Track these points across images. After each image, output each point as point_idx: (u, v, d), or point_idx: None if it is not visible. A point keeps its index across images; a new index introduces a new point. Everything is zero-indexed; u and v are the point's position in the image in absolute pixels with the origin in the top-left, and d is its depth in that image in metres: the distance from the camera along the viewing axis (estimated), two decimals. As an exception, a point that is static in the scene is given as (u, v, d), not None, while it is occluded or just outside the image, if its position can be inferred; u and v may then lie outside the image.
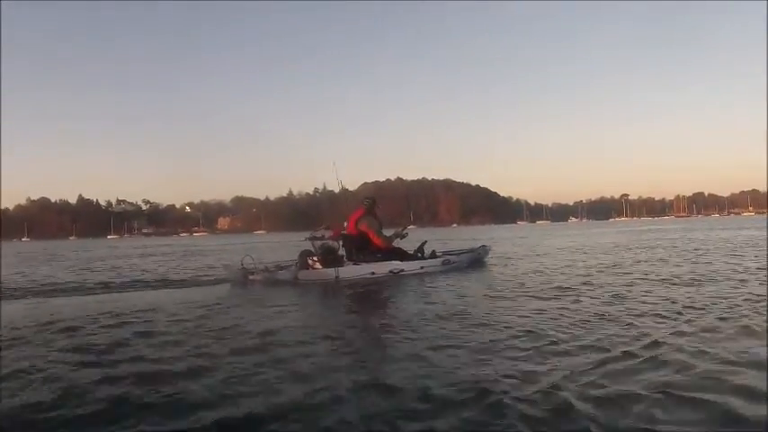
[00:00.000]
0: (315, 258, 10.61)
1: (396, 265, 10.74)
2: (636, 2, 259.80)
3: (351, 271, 10.47)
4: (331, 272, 10.31)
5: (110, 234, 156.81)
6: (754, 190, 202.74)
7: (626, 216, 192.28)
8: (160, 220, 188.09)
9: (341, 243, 10.87)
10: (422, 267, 10.98)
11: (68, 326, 5.90)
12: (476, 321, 5.58)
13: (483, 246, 13.53)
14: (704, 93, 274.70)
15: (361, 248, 10.86)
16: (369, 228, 10.90)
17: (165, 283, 10.89)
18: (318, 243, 10.73)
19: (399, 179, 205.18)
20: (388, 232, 11.26)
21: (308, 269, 10.48)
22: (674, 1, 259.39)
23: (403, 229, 11.62)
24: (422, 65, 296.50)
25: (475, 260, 12.48)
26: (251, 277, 10.25)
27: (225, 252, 25.34)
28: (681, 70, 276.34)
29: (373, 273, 10.48)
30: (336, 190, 13.13)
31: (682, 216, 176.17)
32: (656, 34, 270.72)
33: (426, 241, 12.08)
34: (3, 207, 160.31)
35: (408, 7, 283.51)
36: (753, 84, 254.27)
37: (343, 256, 10.81)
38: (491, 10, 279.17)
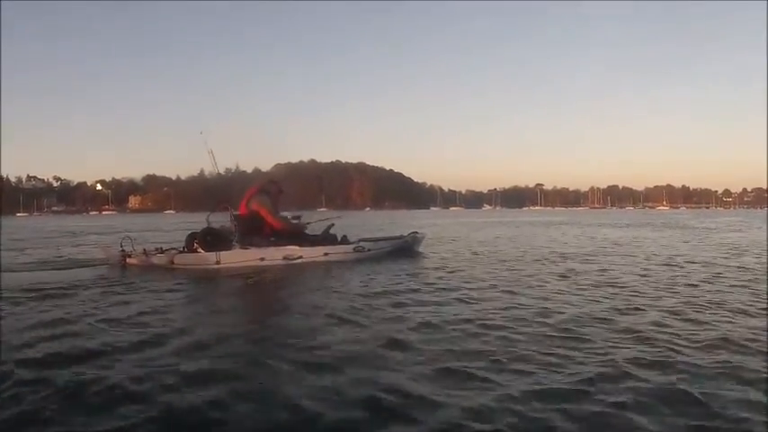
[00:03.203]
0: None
1: (292, 250, 9.55)
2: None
3: (235, 256, 9.39)
4: (212, 256, 9.30)
5: (19, 212, 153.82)
6: (668, 185, 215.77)
7: (540, 205, 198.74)
8: (71, 197, 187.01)
9: (235, 225, 9.85)
10: (326, 254, 9.76)
11: None
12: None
13: (414, 233, 12.05)
14: (621, 88, 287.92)
15: (253, 230, 9.75)
16: (260, 206, 9.82)
17: (38, 264, 10.51)
18: (219, 225, 9.96)
19: (313, 161, 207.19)
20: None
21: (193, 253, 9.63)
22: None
23: (307, 222, 10.53)
24: (335, 47, 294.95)
25: (400, 249, 11.13)
26: (128, 260, 9.68)
27: (124, 233, 24.36)
28: (596, 62, 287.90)
29: (263, 259, 9.37)
30: (214, 168, 11.42)
31: (596, 208, 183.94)
32: (572, 26, 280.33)
33: (333, 223, 10.90)
34: None
35: None
36: (675, 80, 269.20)
37: (231, 240, 9.74)
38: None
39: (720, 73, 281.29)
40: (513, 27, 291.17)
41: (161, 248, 10.08)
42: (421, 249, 11.74)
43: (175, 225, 35.21)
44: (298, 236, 9.86)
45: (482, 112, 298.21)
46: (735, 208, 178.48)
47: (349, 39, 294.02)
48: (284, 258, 9.37)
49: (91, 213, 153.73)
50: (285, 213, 10.36)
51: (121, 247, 9.94)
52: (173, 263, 9.29)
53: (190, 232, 10.01)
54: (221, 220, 10.05)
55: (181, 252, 9.65)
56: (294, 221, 10.11)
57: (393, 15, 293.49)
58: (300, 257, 9.45)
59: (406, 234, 11.84)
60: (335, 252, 9.91)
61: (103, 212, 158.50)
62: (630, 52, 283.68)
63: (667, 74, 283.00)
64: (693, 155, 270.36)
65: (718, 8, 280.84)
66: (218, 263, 9.11)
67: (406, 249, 11.24)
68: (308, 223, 10.42)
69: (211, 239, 9.40)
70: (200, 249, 9.44)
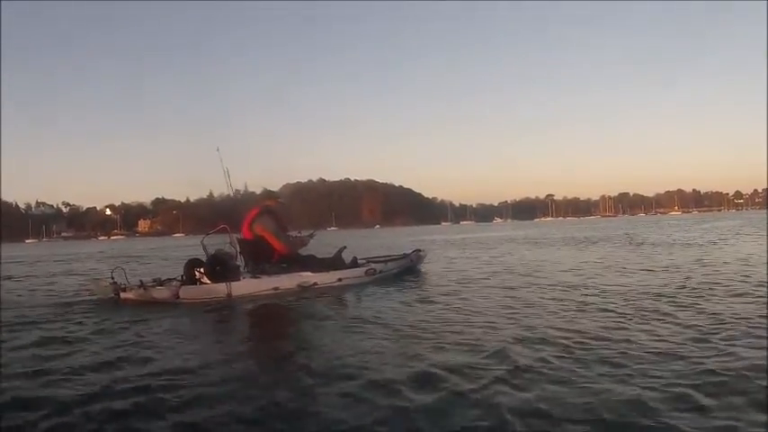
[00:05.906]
0: (202, 270, 8.77)
1: (306, 277, 9.01)
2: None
3: (247, 286, 8.67)
4: (222, 287, 8.46)
5: (28, 238, 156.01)
6: (679, 190, 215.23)
7: (551, 216, 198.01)
8: (80, 222, 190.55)
9: (238, 251, 9.16)
10: (340, 279, 9.29)
11: None
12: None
13: (417, 250, 11.89)
14: (628, 95, 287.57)
15: (260, 256, 9.14)
16: (265, 229, 9.16)
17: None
18: (213, 250, 9.03)
19: (322, 180, 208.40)
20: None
21: (195, 284, 8.70)
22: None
23: (310, 235, 10.00)
24: (345, 64, 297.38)
25: (406, 268, 10.91)
26: (123, 295, 8.37)
27: (125, 259, 23.68)
28: (599, 71, 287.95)
29: (277, 288, 8.72)
30: (228, 188, 10.96)
31: (608, 216, 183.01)
32: (573, 33, 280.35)
33: (345, 246, 10.43)
34: None
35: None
36: (679, 85, 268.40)
37: (239, 267, 9.00)
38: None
39: (726, 73, 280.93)
40: (521, 39, 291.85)
41: (159, 279, 9.13)
42: (422, 267, 11.65)
43: (181, 249, 33.99)
44: (309, 261, 9.39)
45: (494, 124, 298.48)
46: (746, 209, 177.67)
47: (360, 58, 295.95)
48: (299, 286, 8.84)
49: (100, 238, 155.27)
50: (300, 232, 9.96)
51: (113, 278, 8.61)
52: (178, 297, 8.36)
53: (189, 259, 9.16)
54: (217, 243, 9.29)
55: (181, 283, 8.77)
56: (301, 238, 9.71)
57: (400, 32, 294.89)
58: (315, 284, 8.95)
59: (410, 252, 11.69)
60: (349, 276, 9.45)
61: (113, 237, 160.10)
62: (640, 57, 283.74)
63: (674, 76, 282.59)
64: (704, 158, 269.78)
65: (721, 6, 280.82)
66: (229, 295, 8.37)
67: (411, 268, 11.14)
68: (310, 235, 9.94)
69: (220, 269, 8.62)
70: (205, 280, 8.66)
